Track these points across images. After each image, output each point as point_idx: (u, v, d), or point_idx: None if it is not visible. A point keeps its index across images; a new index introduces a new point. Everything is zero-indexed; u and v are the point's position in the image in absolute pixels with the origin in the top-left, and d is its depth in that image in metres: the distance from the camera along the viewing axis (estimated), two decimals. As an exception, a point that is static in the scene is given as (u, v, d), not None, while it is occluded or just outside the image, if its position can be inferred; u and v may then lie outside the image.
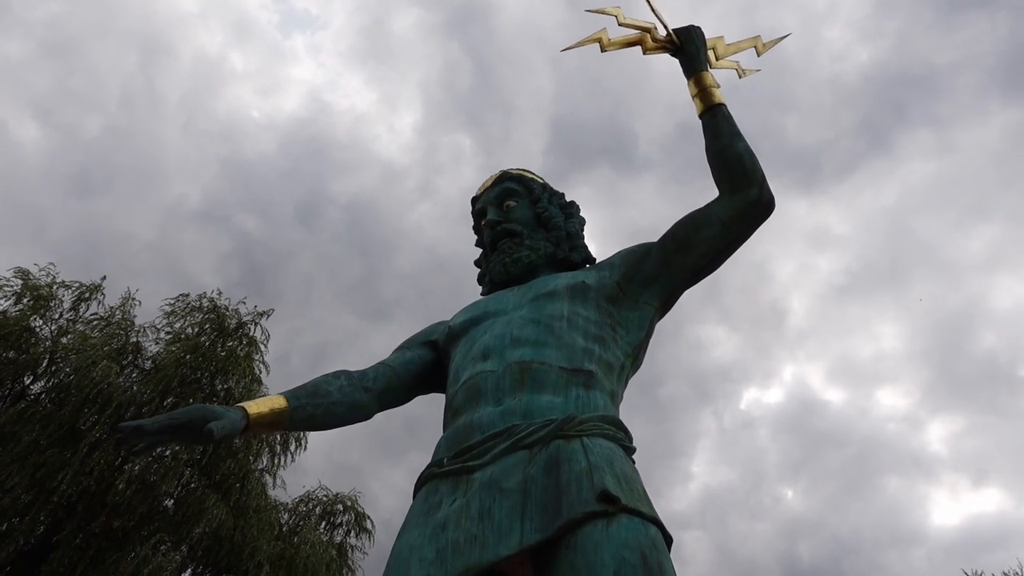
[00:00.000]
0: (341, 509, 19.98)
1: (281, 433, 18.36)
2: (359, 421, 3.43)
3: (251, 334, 17.49)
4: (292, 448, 18.60)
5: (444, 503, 2.75)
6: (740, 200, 3.43)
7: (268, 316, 17.91)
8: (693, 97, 3.75)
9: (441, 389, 3.69)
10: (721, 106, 3.63)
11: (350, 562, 19.20)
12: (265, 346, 17.78)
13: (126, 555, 13.55)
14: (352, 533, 19.78)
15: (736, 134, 3.54)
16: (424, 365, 3.63)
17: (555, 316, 3.30)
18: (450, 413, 3.14)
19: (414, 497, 3.01)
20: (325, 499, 20.04)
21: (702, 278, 3.60)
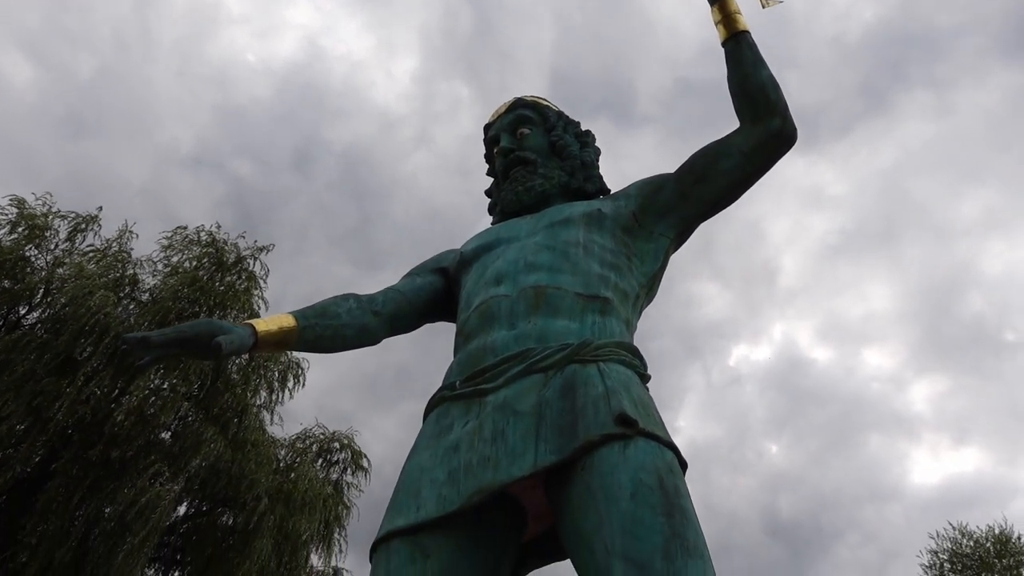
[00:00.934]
0: (338, 447, 20.13)
1: (280, 370, 18.43)
2: (367, 345, 3.37)
3: (250, 269, 17.38)
4: (290, 385, 18.63)
5: (456, 425, 2.71)
6: (762, 131, 3.35)
7: (268, 251, 17.77)
8: (716, 24, 3.63)
9: (450, 317, 3.64)
10: (745, 33, 3.51)
11: (345, 499, 19.33)
12: (264, 281, 17.68)
13: (123, 485, 13.58)
14: (348, 471, 19.98)
15: (760, 62, 3.44)
16: (434, 291, 3.57)
17: (570, 243, 3.24)
18: (461, 338, 3.09)
19: (424, 420, 2.97)
20: (322, 437, 20.16)
21: (719, 210, 3.54)
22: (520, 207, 3.68)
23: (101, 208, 17.12)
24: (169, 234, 17.51)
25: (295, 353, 19.11)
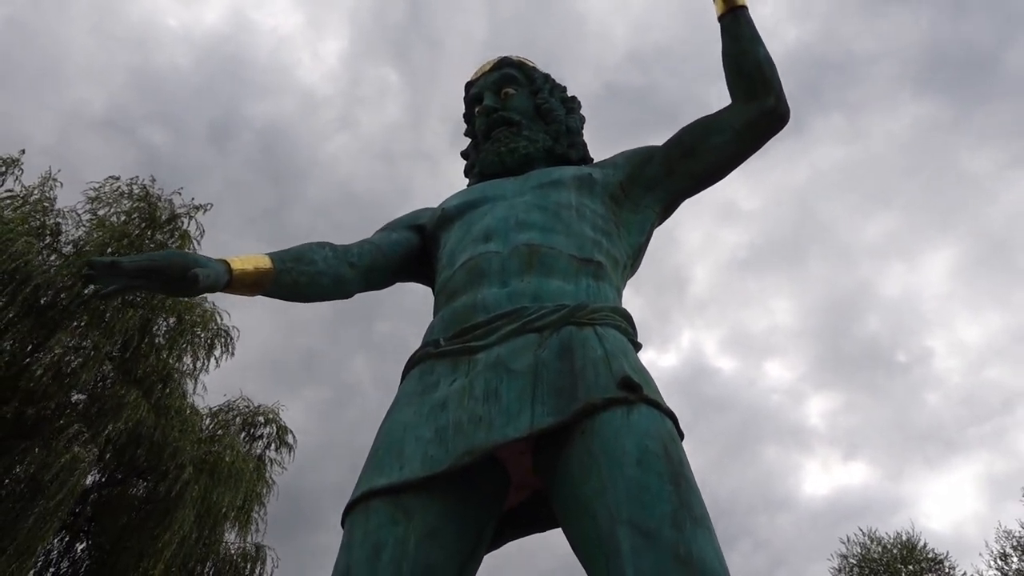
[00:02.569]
0: (262, 421, 19.41)
1: (208, 336, 17.70)
2: (340, 297, 3.24)
3: (184, 227, 16.63)
4: (218, 353, 17.92)
5: (442, 383, 2.62)
6: (756, 109, 3.32)
7: (206, 211, 17.02)
8: None
9: (422, 279, 3.55)
10: (743, 8, 3.47)
11: (267, 476, 18.65)
12: (199, 243, 16.91)
13: (36, 445, 12.79)
14: (272, 446, 19.31)
15: (757, 39, 3.41)
16: (410, 248, 3.44)
17: (563, 204, 3.18)
18: (444, 296, 2.98)
19: (403, 379, 2.86)
20: (246, 410, 19.44)
21: (706, 186, 3.50)
22: (502, 168, 3.57)
23: (24, 152, 16.08)
24: (98, 185, 16.69)
25: (225, 320, 18.61)
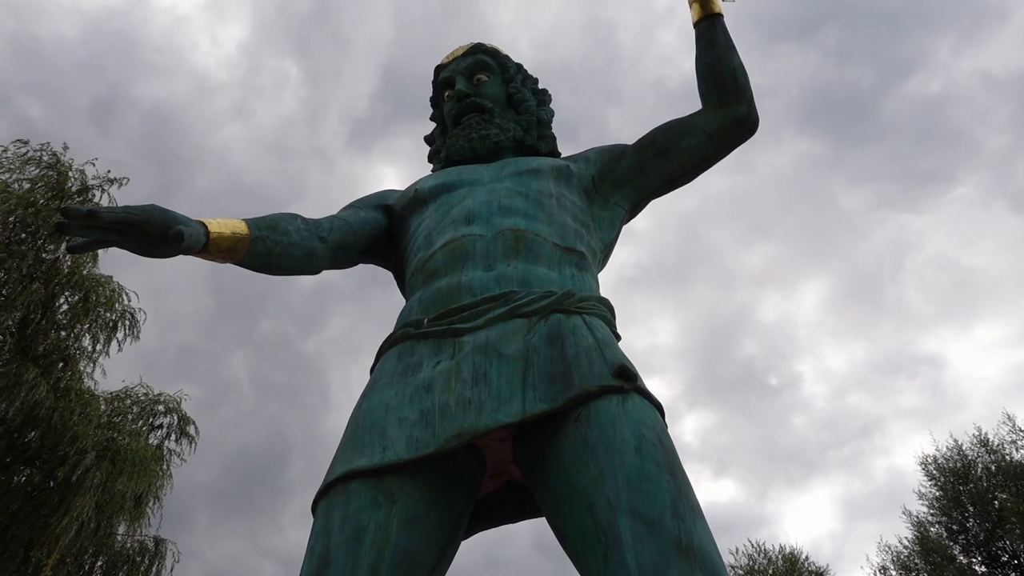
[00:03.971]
0: (163, 410, 18.58)
1: (112, 318, 16.89)
2: (309, 273, 3.14)
3: (96, 200, 15.78)
4: (121, 336, 17.12)
5: (425, 364, 2.59)
6: (728, 115, 3.40)
7: (122, 185, 16.23)
8: (691, 3, 3.65)
9: (384, 261, 3.50)
10: (720, 16, 3.56)
11: (163, 467, 17.88)
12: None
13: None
14: (172, 437, 18.50)
15: (732, 47, 3.50)
16: (377, 228, 3.38)
17: (543, 193, 3.18)
18: (422, 276, 2.94)
19: (379, 358, 2.82)
20: (145, 398, 18.54)
21: (675, 187, 3.57)
22: (471, 155, 3.56)
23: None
24: (2, 148, 15.61)
25: (131, 301, 17.80)
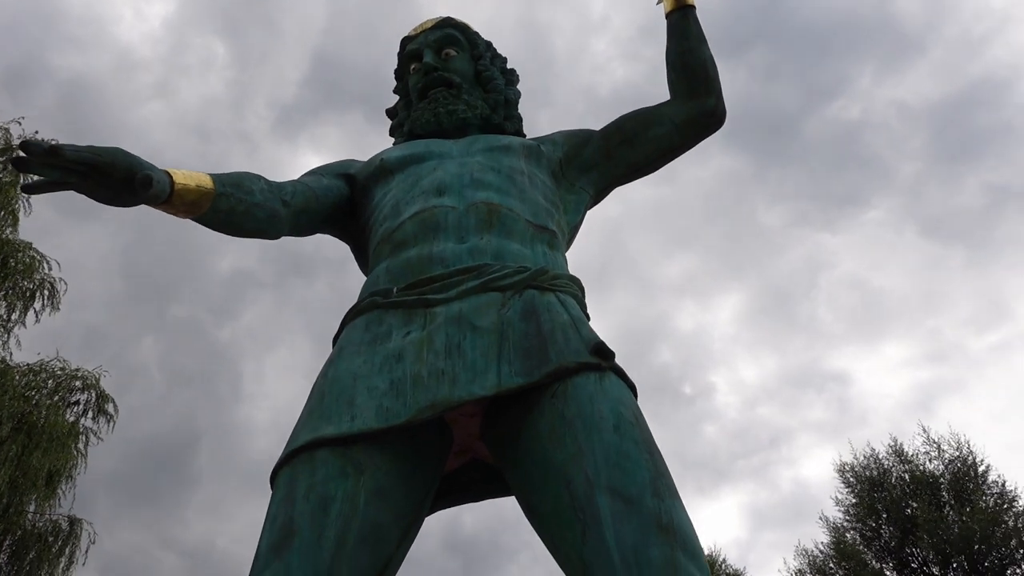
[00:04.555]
0: (80, 387, 17.77)
1: (30, 287, 16.12)
2: (269, 236, 3.01)
3: (21, 160, 14.95)
4: (38, 306, 16.38)
5: (395, 334, 2.54)
6: (696, 107, 3.42)
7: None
8: None
9: (342, 232, 3.40)
10: (692, 7, 3.57)
11: (79, 447, 17.10)
12: (31, 180, 15.28)
13: None
14: (89, 415, 17.71)
15: (703, 40, 3.51)
16: (340, 196, 3.27)
17: (515, 170, 3.15)
18: (389, 246, 2.87)
19: (344, 327, 2.76)
20: (62, 372, 17.69)
21: (639, 176, 3.57)
22: (437, 129, 3.49)
23: None
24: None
25: (51, 270, 17.02)
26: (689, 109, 3.41)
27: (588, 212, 3.53)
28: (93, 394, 17.92)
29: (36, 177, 2.24)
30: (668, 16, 3.56)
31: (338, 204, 3.25)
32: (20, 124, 15.60)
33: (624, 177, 3.53)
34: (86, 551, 15.89)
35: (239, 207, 2.72)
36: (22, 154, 2.15)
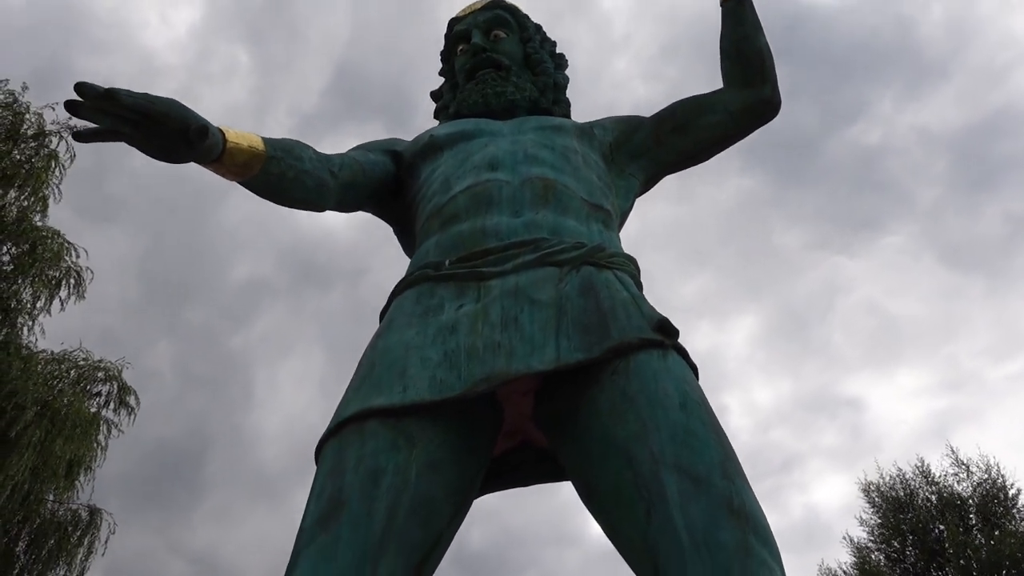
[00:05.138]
0: (102, 377, 17.69)
1: (56, 275, 16.13)
2: (316, 207, 2.97)
3: (53, 147, 15.11)
4: (64, 294, 16.33)
5: (447, 306, 2.48)
6: (752, 95, 3.36)
7: (80, 132, 15.43)
8: None
9: (385, 212, 3.34)
10: None
11: (100, 439, 17.03)
12: (67, 166, 15.38)
13: None
14: (111, 406, 17.63)
15: (760, 28, 3.45)
16: (386, 173, 3.22)
17: (569, 149, 3.10)
18: (439, 221, 2.81)
19: (393, 300, 2.70)
20: (84, 363, 17.63)
21: (690, 164, 3.52)
22: (485, 110, 3.42)
23: None
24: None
25: (79, 258, 17.02)
26: (745, 97, 3.35)
27: (656, 183, 3.50)
28: (115, 385, 17.86)
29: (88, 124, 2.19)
30: (723, 3, 3.50)
31: (384, 180, 3.20)
32: (54, 109, 15.63)
33: (674, 164, 3.46)
34: (105, 542, 15.86)
35: (289, 173, 2.67)
36: (76, 97, 2.09)
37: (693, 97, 3.43)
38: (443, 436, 2.17)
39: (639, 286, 2.70)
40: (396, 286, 2.72)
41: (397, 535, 1.95)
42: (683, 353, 2.34)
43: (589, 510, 2.20)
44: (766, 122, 3.43)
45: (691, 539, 1.80)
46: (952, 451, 26.17)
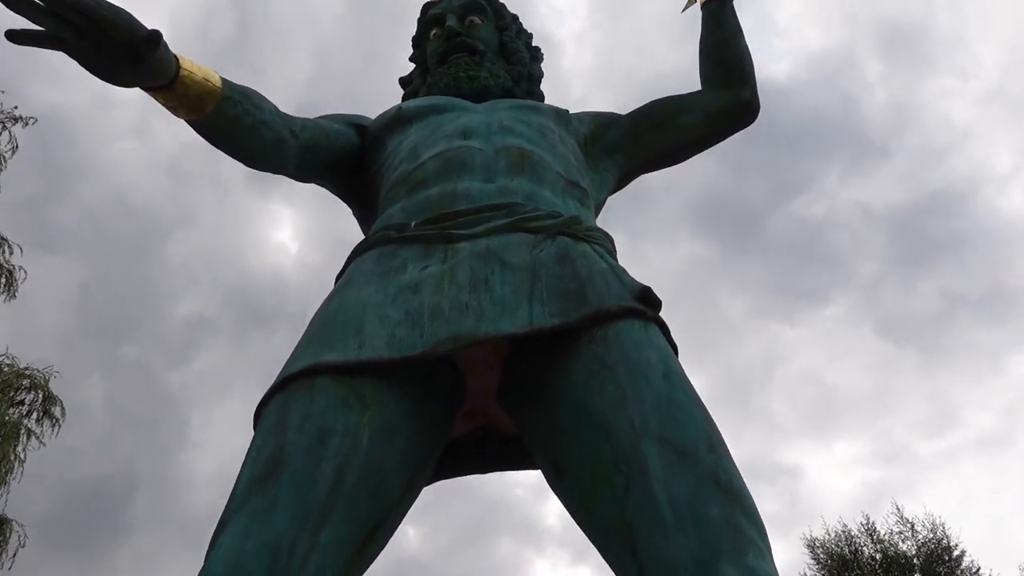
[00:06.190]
0: (27, 386, 16.86)
1: None
2: (272, 165, 2.80)
3: (-6, 137, 14.40)
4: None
5: (411, 267, 2.31)
6: (730, 98, 3.31)
7: (26, 124, 14.95)
8: None
9: (344, 188, 3.15)
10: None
11: (17, 450, 16.12)
12: (7, 158, 14.73)
13: None
14: (34, 416, 16.76)
15: (740, 32, 3.43)
16: (350, 144, 3.06)
17: (546, 127, 2.98)
18: (405, 188, 2.66)
19: (347, 264, 2.53)
20: (9, 370, 16.80)
21: (665, 165, 3.45)
22: (456, 94, 3.28)
23: None
24: None
25: (12, 258, 16.24)
26: (723, 99, 3.29)
27: (628, 183, 3.39)
28: (40, 394, 17.05)
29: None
30: (705, 6, 3.49)
31: (347, 151, 3.03)
32: (-2, 99, 15.00)
33: (650, 163, 3.38)
34: (14, 555, 15.01)
35: (246, 119, 2.51)
36: None
37: (670, 97, 3.36)
38: (399, 401, 2.00)
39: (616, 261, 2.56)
40: (355, 248, 2.54)
41: (344, 502, 1.76)
42: (665, 329, 2.20)
43: (556, 491, 2.04)
44: (743, 126, 3.37)
45: (675, 514, 1.66)
46: (897, 509, 26.36)
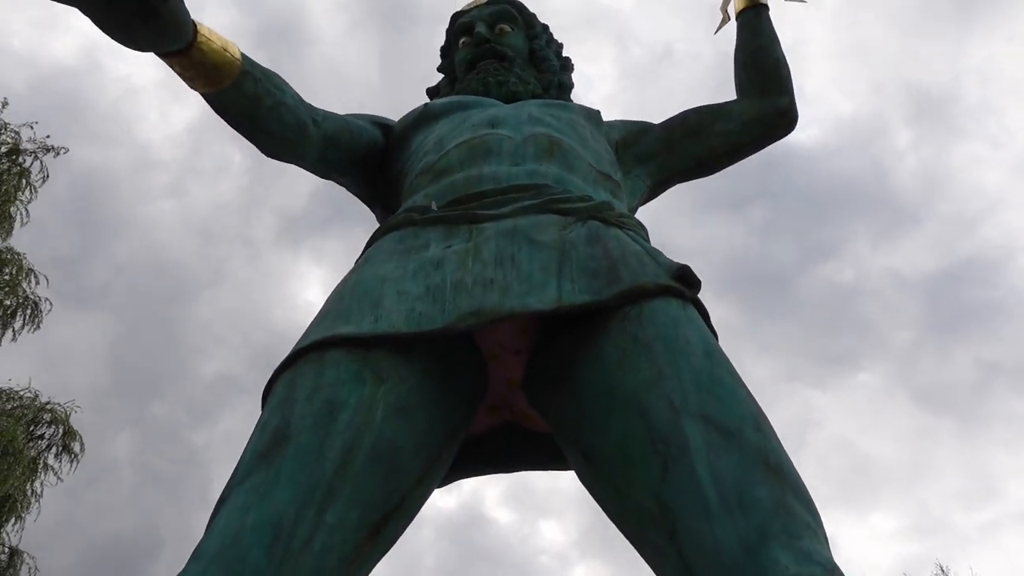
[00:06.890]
0: (47, 419, 16.74)
1: (11, 304, 15.39)
2: (293, 152, 2.73)
3: (27, 165, 14.61)
4: (17, 326, 15.59)
5: (434, 246, 2.22)
6: (768, 105, 3.25)
7: (57, 154, 15.06)
8: None
9: (366, 189, 3.09)
10: (766, 7, 3.47)
11: (35, 485, 15.97)
12: (37, 188, 14.88)
13: None
14: (53, 451, 16.61)
15: (776, 39, 3.39)
16: (373, 141, 3.01)
17: (576, 123, 2.92)
18: (429, 176, 2.59)
19: (368, 247, 2.46)
20: (32, 403, 16.74)
21: (700, 174, 3.36)
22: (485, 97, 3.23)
23: None
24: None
25: (37, 290, 16.29)
26: (761, 107, 3.23)
27: (662, 192, 3.31)
28: (60, 429, 16.93)
29: None
30: (740, 15, 3.45)
31: (371, 149, 2.98)
32: (32, 128, 15.21)
33: (685, 172, 3.30)
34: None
35: (266, 100, 2.46)
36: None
37: (706, 105, 3.31)
38: (418, 378, 1.90)
39: None
40: (375, 232, 2.47)
41: (352, 482, 1.65)
42: (704, 312, 2.08)
43: (585, 480, 1.92)
44: (780, 136, 3.30)
45: (720, 496, 1.52)
46: (943, 570, 25.42)
